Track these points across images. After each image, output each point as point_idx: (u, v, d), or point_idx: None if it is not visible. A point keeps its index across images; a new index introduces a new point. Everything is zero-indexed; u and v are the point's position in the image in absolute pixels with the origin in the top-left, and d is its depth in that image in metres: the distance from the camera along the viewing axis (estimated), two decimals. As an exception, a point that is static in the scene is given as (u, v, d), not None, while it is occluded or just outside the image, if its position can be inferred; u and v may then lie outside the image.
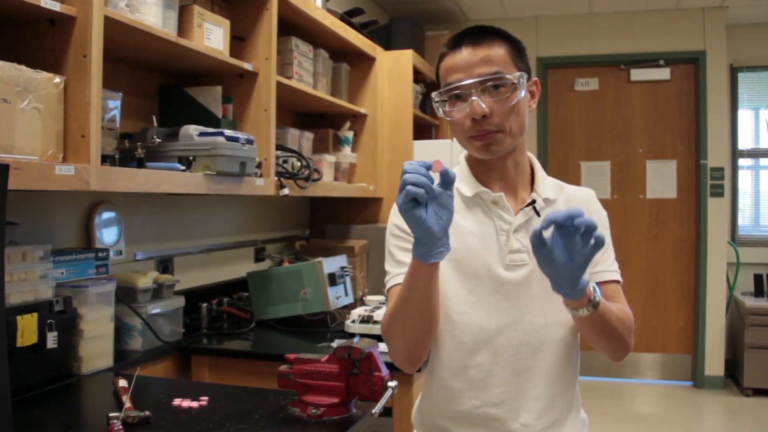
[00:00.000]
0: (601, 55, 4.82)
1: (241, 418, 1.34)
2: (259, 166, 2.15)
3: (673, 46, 4.69)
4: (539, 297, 1.22)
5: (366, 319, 2.18)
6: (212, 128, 1.92)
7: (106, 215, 2.01)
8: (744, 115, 5.05)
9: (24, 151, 1.32)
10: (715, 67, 4.64)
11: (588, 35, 4.81)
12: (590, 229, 0.98)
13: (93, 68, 1.45)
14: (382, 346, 1.36)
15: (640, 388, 4.76)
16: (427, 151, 3.42)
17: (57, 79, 1.41)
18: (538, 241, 1.01)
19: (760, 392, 4.40)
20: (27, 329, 1.48)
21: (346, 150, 3.15)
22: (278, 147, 2.43)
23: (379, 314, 2.19)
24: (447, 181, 1.04)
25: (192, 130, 1.88)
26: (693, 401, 4.46)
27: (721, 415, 4.31)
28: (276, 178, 2.31)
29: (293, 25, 2.58)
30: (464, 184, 1.29)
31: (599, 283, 1.25)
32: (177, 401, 1.43)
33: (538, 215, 1.25)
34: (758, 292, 4.65)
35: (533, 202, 1.26)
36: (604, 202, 1.37)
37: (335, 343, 1.38)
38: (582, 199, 1.33)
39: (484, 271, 1.24)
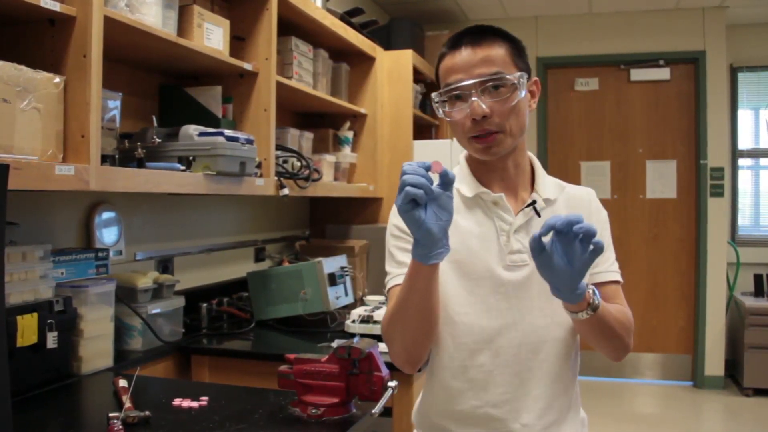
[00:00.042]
0: (601, 55, 4.82)
1: (241, 418, 1.34)
2: (259, 166, 2.15)
3: (673, 46, 4.69)
4: (539, 297, 1.22)
5: (366, 319, 2.18)
6: (212, 128, 1.92)
7: (106, 215, 2.01)
8: (744, 115, 5.05)
9: (24, 151, 1.32)
10: (715, 67, 4.64)
11: (588, 35, 4.81)
12: (589, 235, 0.98)
13: (93, 68, 1.45)
14: (382, 346, 1.36)
15: (640, 388, 4.76)
16: (427, 151, 3.42)
17: (57, 79, 1.41)
18: (537, 246, 1.01)
19: (760, 392, 4.40)
20: (27, 329, 1.48)
21: (346, 150, 3.15)
22: (278, 147, 2.43)
23: (379, 314, 2.19)
24: (446, 182, 1.03)
25: (192, 130, 1.88)
26: (693, 401, 4.46)
27: (721, 415, 4.31)
28: (276, 178, 2.31)
29: (293, 25, 2.58)
30: (464, 185, 1.29)
31: (599, 284, 1.25)
32: (177, 401, 1.43)
33: (539, 216, 1.25)
34: (758, 292, 4.65)
35: (534, 202, 1.26)
36: (604, 202, 1.37)
37: (335, 343, 1.38)
38: (582, 198, 1.33)
39: (484, 272, 1.24)
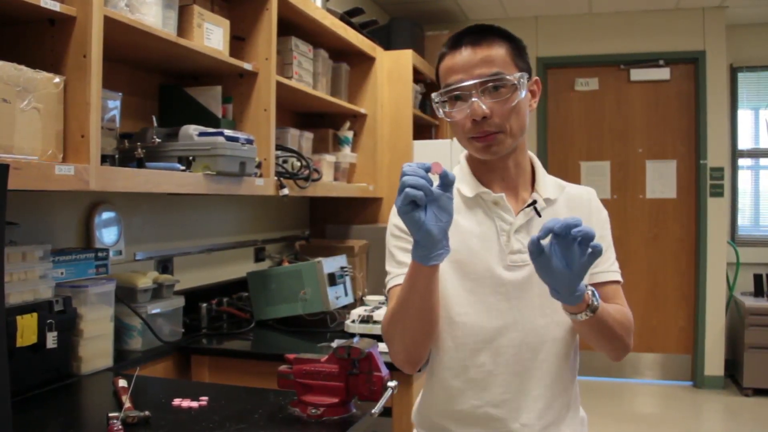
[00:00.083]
0: (601, 55, 4.82)
1: (241, 418, 1.34)
2: (258, 166, 2.15)
3: (673, 46, 4.69)
4: (540, 297, 1.22)
5: (366, 319, 2.18)
6: (212, 128, 1.92)
7: (106, 215, 2.01)
8: (744, 115, 5.05)
9: (24, 151, 1.32)
10: (714, 67, 4.64)
11: (588, 35, 4.81)
12: (587, 238, 0.98)
13: (93, 68, 1.45)
14: (382, 346, 1.36)
15: (640, 388, 4.76)
16: (426, 151, 3.42)
17: (57, 79, 1.41)
18: (535, 249, 1.01)
19: (759, 392, 4.40)
20: (27, 329, 1.48)
21: (346, 150, 3.15)
22: (278, 147, 2.43)
23: (379, 314, 2.19)
24: (446, 183, 1.03)
25: (192, 130, 1.88)
26: (693, 401, 4.46)
27: (721, 415, 4.31)
28: (276, 178, 2.31)
29: (293, 25, 2.58)
30: (465, 185, 1.29)
31: (600, 284, 1.25)
32: (177, 401, 1.43)
33: (539, 215, 1.25)
34: (758, 292, 4.65)
35: (534, 202, 1.26)
36: (604, 202, 1.37)
37: (335, 343, 1.38)
38: (583, 198, 1.33)
39: (484, 272, 1.24)
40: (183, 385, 1.82)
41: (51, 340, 1.55)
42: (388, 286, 1.28)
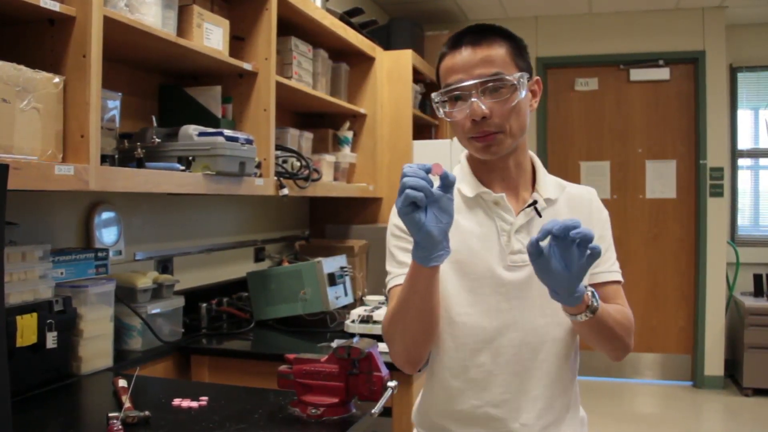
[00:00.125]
0: (601, 55, 4.82)
1: (241, 418, 1.34)
2: (258, 166, 2.15)
3: (673, 46, 4.69)
4: (540, 297, 1.22)
5: (366, 319, 2.18)
6: (212, 128, 1.91)
7: (106, 215, 2.01)
8: (743, 115, 5.05)
9: (23, 151, 1.32)
10: (714, 67, 4.65)
11: (588, 35, 4.81)
12: (586, 240, 0.98)
13: (93, 68, 1.45)
14: (382, 346, 1.36)
15: (640, 388, 4.76)
16: (426, 151, 3.42)
17: (56, 79, 1.41)
18: (534, 250, 1.01)
19: (759, 392, 4.40)
20: (27, 329, 1.48)
21: (346, 150, 3.15)
22: (278, 147, 2.43)
23: (379, 314, 2.19)
24: (447, 184, 1.03)
25: (191, 130, 1.88)
26: (693, 401, 4.46)
27: (721, 415, 4.31)
28: (276, 178, 2.31)
29: (293, 25, 2.58)
30: (465, 185, 1.29)
31: (600, 284, 1.25)
32: (177, 401, 1.43)
33: (540, 216, 1.25)
34: (758, 292, 4.65)
35: (534, 202, 1.26)
36: (604, 202, 1.37)
37: (335, 343, 1.38)
38: (583, 198, 1.33)
39: (485, 272, 1.24)
40: (183, 385, 1.82)
41: (51, 340, 1.55)
42: (389, 286, 1.28)
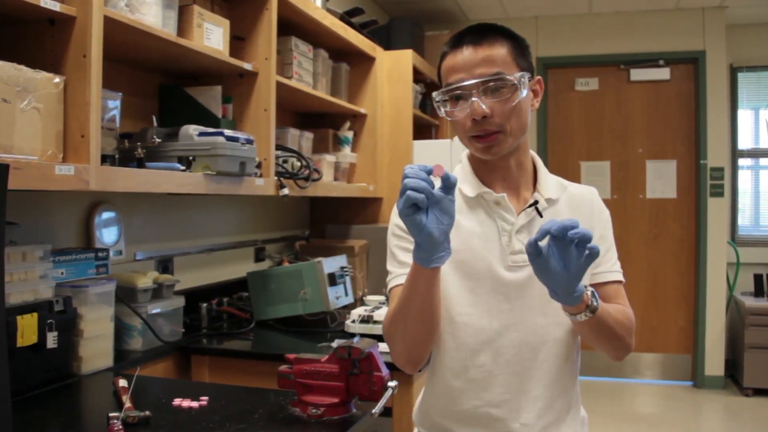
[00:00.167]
0: (601, 55, 4.82)
1: (241, 418, 1.34)
2: (258, 166, 2.15)
3: (673, 46, 4.69)
4: (540, 298, 1.21)
5: (366, 319, 2.18)
6: (212, 128, 1.91)
7: (106, 215, 2.01)
8: (744, 115, 5.05)
9: (24, 151, 1.32)
10: (714, 67, 4.64)
11: (588, 35, 4.81)
12: (584, 240, 0.98)
13: (93, 68, 1.45)
14: (382, 346, 1.36)
15: (640, 388, 4.76)
16: (426, 151, 3.42)
17: (57, 79, 1.41)
18: (533, 250, 1.01)
19: (760, 392, 4.40)
20: (27, 329, 1.48)
21: (346, 150, 3.15)
22: (278, 147, 2.43)
23: (379, 314, 2.19)
24: (448, 185, 1.03)
25: (192, 130, 1.88)
26: (693, 401, 4.46)
27: (721, 415, 4.31)
28: (276, 178, 2.31)
29: (293, 25, 2.58)
30: (467, 184, 1.29)
31: (601, 284, 1.25)
32: (177, 401, 1.43)
33: (541, 216, 1.25)
34: (758, 292, 4.65)
35: (535, 202, 1.25)
36: (604, 202, 1.37)
37: (335, 343, 1.38)
38: (584, 198, 1.33)
39: (485, 272, 1.24)
40: (183, 385, 1.82)
41: (51, 340, 1.55)
42: (390, 285, 1.28)
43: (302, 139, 2.80)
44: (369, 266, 3.10)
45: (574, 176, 4.86)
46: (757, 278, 4.65)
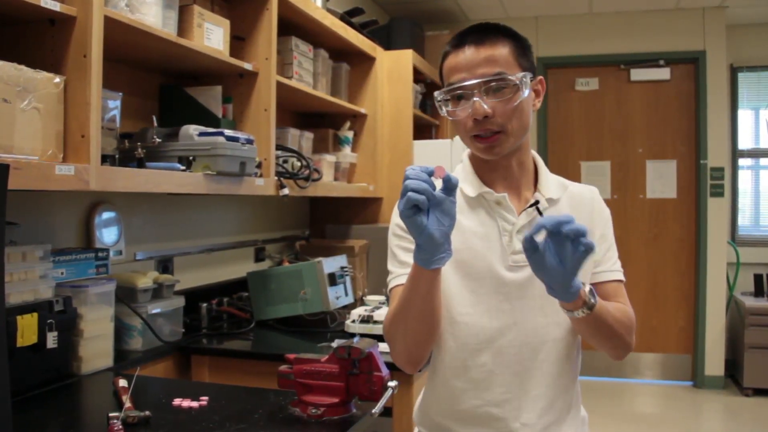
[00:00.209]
0: (601, 55, 4.82)
1: (241, 418, 1.34)
2: (259, 166, 2.15)
3: (673, 46, 4.69)
4: (541, 297, 1.21)
5: (366, 319, 2.18)
6: (212, 128, 1.91)
7: (106, 215, 2.01)
8: (744, 115, 5.05)
9: (24, 151, 1.32)
10: (715, 67, 4.64)
11: (588, 35, 4.81)
12: (579, 235, 0.98)
13: (93, 68, 1.45)
14: (383, 346, 1.36)
15: (640, 388, 4.76)
16: (426, 151, 3.42)
17: (57, 79, 1.41)
18: (530, 246, 1.01)
19: (760, 392, 4.40)
20: (27, 329, 1.48)
21: (346, 150, 3.15)
22: (278, 147, 2.43)
23: (379, 314, 2.19)
24: (449, 187, 1.03)
25: (192, 130, 1.88)
26: (693, 401, 4.46)
27: (721, 415, 4.31)
28: (276, 178, 2.31)
29: (293, 25, 2.57)
30: (468, 184, 1.29)
31: (602, 283, 1.25)
32: (177, 401, 1.43)
33: (542, 215, 1.24)
34: (758, 292, 4.65)
35: (536, 202, 1.25)
36: (605, 202, 1.37)
37: (335, 343, 1.38)
38: (585, 197, 1.33)
39: (486, 272, 1.24)
40: (183, 385, 1.82)
41: (51, 340, 1.55)
42: (390, 285, 1.28)
43: (302, 139, 2.80)
44: (369, 266, 3.10)
45: (574, 176, 4.83)
46: (757, 278, 4.65)
